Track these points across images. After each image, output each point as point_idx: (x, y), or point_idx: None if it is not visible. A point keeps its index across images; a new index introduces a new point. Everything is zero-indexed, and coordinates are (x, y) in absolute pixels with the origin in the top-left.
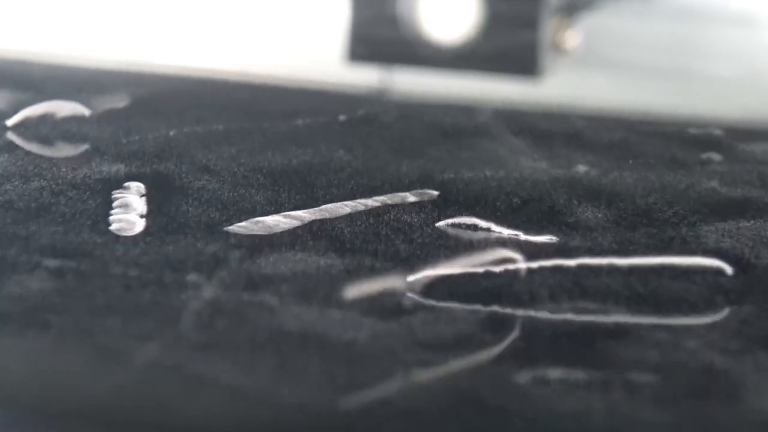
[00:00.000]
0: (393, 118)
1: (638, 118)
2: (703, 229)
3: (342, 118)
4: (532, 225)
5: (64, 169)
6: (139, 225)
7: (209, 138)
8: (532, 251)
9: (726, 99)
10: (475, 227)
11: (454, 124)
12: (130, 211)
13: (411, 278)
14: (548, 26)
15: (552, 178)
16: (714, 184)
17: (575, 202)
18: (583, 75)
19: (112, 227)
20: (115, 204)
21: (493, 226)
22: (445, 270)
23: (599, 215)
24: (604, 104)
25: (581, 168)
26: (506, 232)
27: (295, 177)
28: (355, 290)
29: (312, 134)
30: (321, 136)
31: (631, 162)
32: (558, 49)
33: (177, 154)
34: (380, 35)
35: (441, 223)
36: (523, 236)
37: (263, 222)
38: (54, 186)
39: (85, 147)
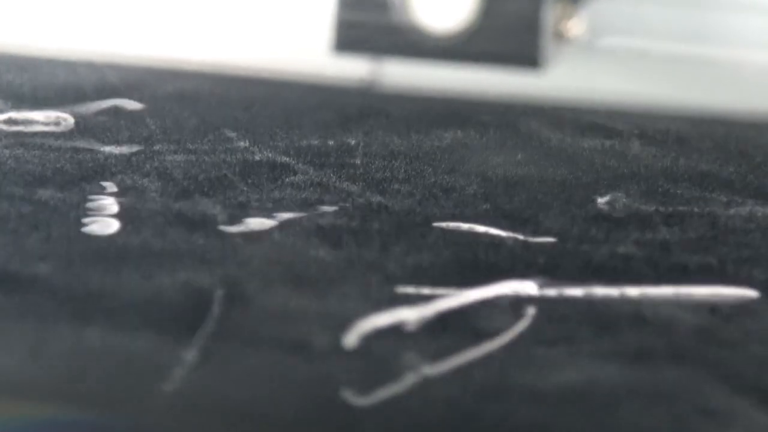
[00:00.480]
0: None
1: (650, 114)
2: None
3: (352, 142)
4: (532, 229)
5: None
6: (114, 226)
7: (197, 149)
8: (532, 252)
9: (747, 91)
10: (471, 230)
11: (449, 122)
12: (103, 213)
13: (414, 316)
14: (550, 13)
15: (558, 184)
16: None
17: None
18: (588, 66)
19: (86, 229)
20: (89, 206)
21: (491, 230)
22: (450, 305)
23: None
24: (611, 98)
25: (602, 200)
26: (504, 234)
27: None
28: (354, 336)
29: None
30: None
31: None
32: (561, 37)
33: (156, 165)
34: (370, 23)
35: (436, 224)
36: (521, 238)
37: (246, 223)
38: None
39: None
